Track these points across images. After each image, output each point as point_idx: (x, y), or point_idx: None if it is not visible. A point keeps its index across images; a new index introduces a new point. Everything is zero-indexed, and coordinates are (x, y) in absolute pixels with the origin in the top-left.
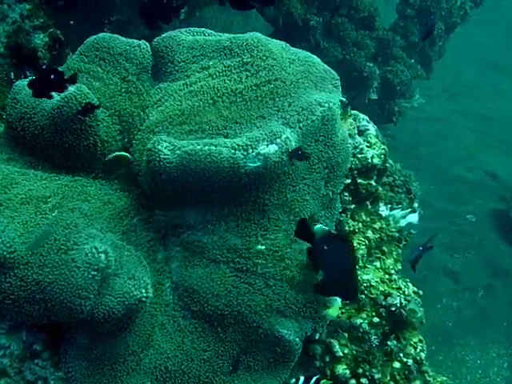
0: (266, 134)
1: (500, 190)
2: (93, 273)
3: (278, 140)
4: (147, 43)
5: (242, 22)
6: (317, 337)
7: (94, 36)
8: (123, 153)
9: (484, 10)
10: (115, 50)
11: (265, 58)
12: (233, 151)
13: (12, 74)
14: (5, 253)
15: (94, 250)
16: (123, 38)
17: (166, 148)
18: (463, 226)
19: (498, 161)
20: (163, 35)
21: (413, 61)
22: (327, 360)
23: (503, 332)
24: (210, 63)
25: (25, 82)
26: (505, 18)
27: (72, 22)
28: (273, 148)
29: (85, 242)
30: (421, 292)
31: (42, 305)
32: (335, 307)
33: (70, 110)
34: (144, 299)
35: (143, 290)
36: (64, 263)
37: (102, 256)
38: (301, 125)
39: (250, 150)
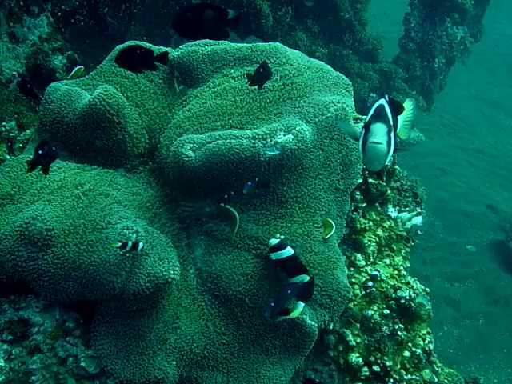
0: (283, 126)
1: (499, 222)
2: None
3: (294, 130)
4: (172, 56)
5: None
6: (331, 327)
7: (121, 45)
8: None
9: (484, 49)
10: None
11: (282, 63)
12: (253, 141)
13: None
14: (43, 230)
15: (125, 230)
16: (150, 46)
17: (189, 149)
18: (463, 256)
19: (498, 194)
20: (182, 52)
21: (414, 92)
22: (341, 349)
23: (504, 358)
24: (232, 71)
25: (58, 83)
26: (505, 58)
27: None
28: (289, 137)
29: (118, 222)
30: (428, 289)
31: (77, 281)
32: (298, 310)
33: (100, 110)
34: (172, 280)
35: (171, 271)
36: (99, 240)
37: (134, 235)
38: (316, 120)
39: (269, 140)
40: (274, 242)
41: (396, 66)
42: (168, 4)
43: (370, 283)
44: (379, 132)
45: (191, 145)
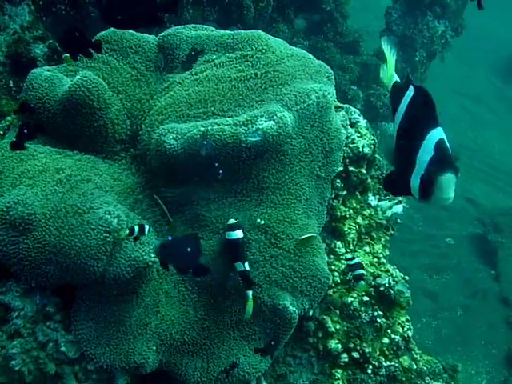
0: (264, 112)
1: (478, 215)
2: (105, 234)
3: (275, 117)
4: (156, 39)
5: None
6: (311, 313)
7: (103, 32)
8: None
9: (465, 43)
10: (125, 43)
11: (264, 51)
12: (234, 127)
13: (11, 82)
14: (24, 214)
15: (107, 214)
16: (133, 33)
17: (171, 138)
18: (442, 248)
19: (478, 188)
20: (167, 32)
21: None
22: (320, 336)
23: (481, 350)
24: (214, 57)
25: (40, 69)
26: (486, 53)
27: None
28: (271, 123)
29: (99, 207)
30: (407, 277)
31: (58, 266)
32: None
33: (79, 96)
34: (152, 263)
35: (152, 255)
36: (80, 225)
37: (115, 219)
38: (298, 107)
39: (250, 126)
40: (231, 221)
41: (377, 59)
42: None
43: (361, 271)
44: (450, 186)
45: (174, 135)
